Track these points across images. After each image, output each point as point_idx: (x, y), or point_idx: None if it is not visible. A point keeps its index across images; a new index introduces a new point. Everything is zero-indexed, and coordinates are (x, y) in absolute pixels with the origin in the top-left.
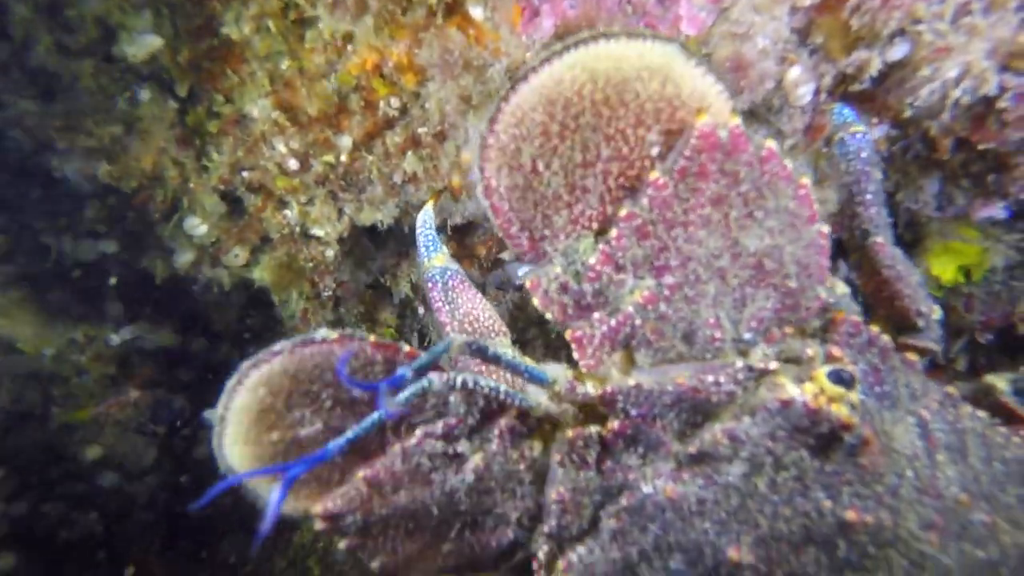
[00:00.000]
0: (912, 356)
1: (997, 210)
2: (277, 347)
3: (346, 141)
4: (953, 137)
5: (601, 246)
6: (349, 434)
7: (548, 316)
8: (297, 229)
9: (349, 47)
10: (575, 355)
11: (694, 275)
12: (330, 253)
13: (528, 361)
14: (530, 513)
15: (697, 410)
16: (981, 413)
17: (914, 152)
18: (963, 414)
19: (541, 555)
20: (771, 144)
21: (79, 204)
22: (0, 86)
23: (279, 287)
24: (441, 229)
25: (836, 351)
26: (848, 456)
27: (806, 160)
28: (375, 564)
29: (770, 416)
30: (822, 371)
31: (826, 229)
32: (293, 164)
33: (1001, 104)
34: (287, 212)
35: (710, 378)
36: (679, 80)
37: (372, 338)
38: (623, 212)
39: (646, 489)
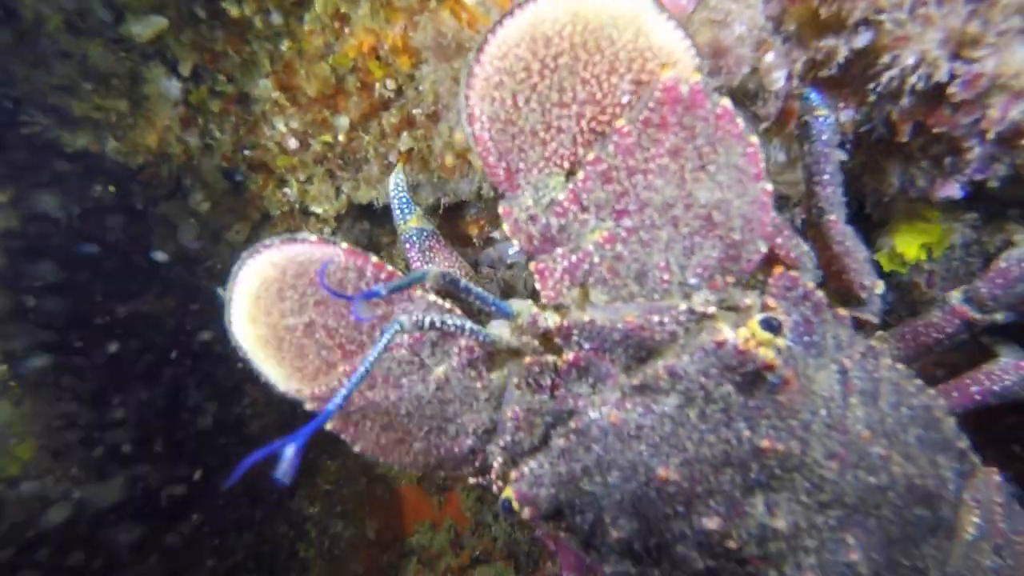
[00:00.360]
0: (842, 311)
1: (955, 190)
2: (267, 242)
3: (343, 121)
4: (912, 121)
5: (570, 185)
6: (360, 369)
7: (515, 243)
8: (296, 206)
9: (346, 29)
10: (537, 286)
11: (650, 220)
12: (328, 230)
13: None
14: (485, 427)
15: (642, 346)
16: (900, 366)
17: (878, 135)
18: (882, 365)
19: (496, 465)
20: (726, 102)
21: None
22: (12, 63)
23: None
24: (435, 208)
25: (771, 302)
26: (769, 394)
27: (779, 143)
28: (356, 448)
29: (706, 355)
30: (755, 318)
31: (770, 187)
32: (293, 143)
33: (951, 90)
34: (287, 190)
35: (655, 318)
36: (651, 33)
37: (345, 246)
38: (590, 156)
39: (593, 415)
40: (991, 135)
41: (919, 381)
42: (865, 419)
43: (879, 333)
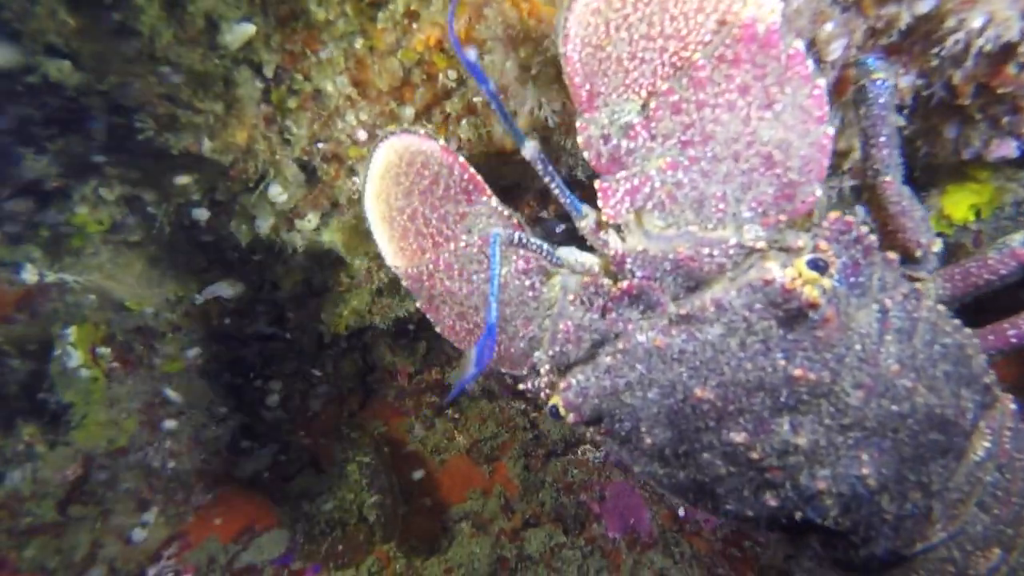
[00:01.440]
0: (892, 255)
1: (1011, 149)
2: (393, 129)
3: (409, 112)
4: (975, 83)
5: (644, 112)
6: (493, 305)
7: (585, 156)
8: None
9: (415, 25)
10: (599, 203)
11: (712, 152)
12: None
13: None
14: (535, 335)
15: (691, 276)
16: (941, 307)
17: (937, 99)
18: (923, 306)
19: (543, 371)
20: (799, 44)
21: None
22: (130, 74)
23: (349, 248)
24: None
25: (823, 244)
26: (809, 329)
27: (835, 112)
28: (437, 329)
29: (752, 291)
30: (803, 259)
31: (831, 131)
32: (362, 135)
33: (1022, 48)
34: (355, 178)
35: (706, 250)
36: None
37: (442, 142)
38: (665, 86)
39: (640, 338)
40: None
41: (957, 321)
42: (897, 354)
43: (925, 275)
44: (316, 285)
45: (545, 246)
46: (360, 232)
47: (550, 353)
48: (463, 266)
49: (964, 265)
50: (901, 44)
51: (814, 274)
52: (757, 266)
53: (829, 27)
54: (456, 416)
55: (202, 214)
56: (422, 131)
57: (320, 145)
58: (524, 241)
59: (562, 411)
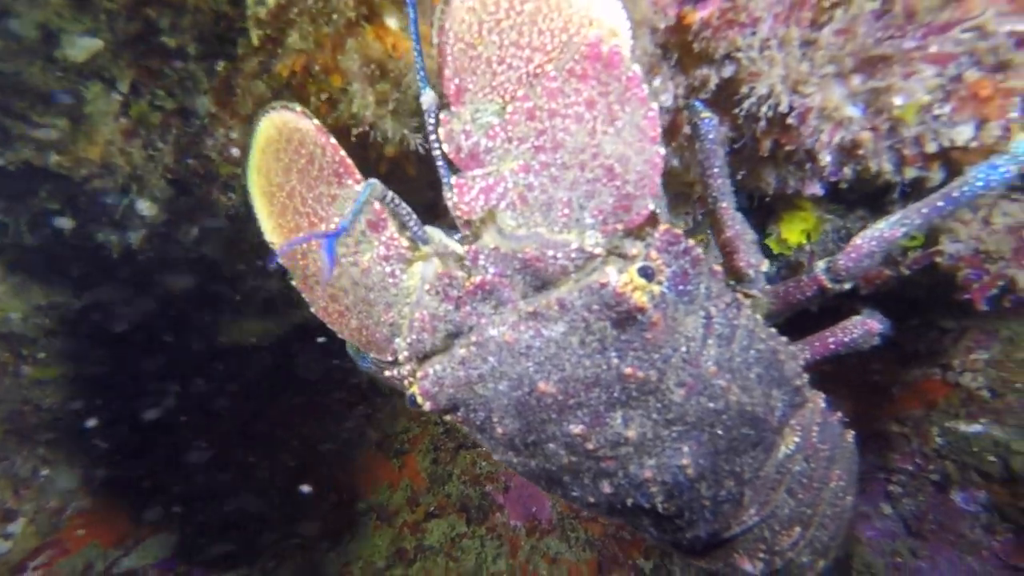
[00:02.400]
0: (717, 267)
1: (817, 189)
2: (275, 104)
3: None
4: (770, 138)
5: (503, 114)
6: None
7: (445, 148)
8: (242, 210)
9: (280, 50)
10: (454, 199)
11: (561, 160)
12: None
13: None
14: (394, 322)
15: (538, 276)
16: (758, 316)
17: (750, 148)
18: (742, 314)
19: (401, 358)
20: (636, 68)
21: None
22: None
23: (228, 260)
24: None
25: (653, 253)
26: (639, 331)
27: (671, 151)
28: (312, 309)
29: (591, 293)
30: (635, 266)
31: (663, 151)
32: (235, 152)
33: (789, 121)
34: (231, 195)
35: (550, 252)
36: (600, 5)
37: (316, 123)
38: (521, 93)
39: (492, 332)
40: (823, 156)
41: (772, 330)
42: (716, 357)
43: (755, 292)
44: (210, 293)
45: (414, 218)
46: (239, 246)
47: (408, 341)
48: (329, 244)
49: (785, 284)
50: (715, 100)
51: (643, 281)
52: (598, 270)
53: (658, 80)
54: (369, 412)
55: (65, 223)
56: (299, 108)
57: (190, 161)
58: (394, 201)
59: (419, 399)
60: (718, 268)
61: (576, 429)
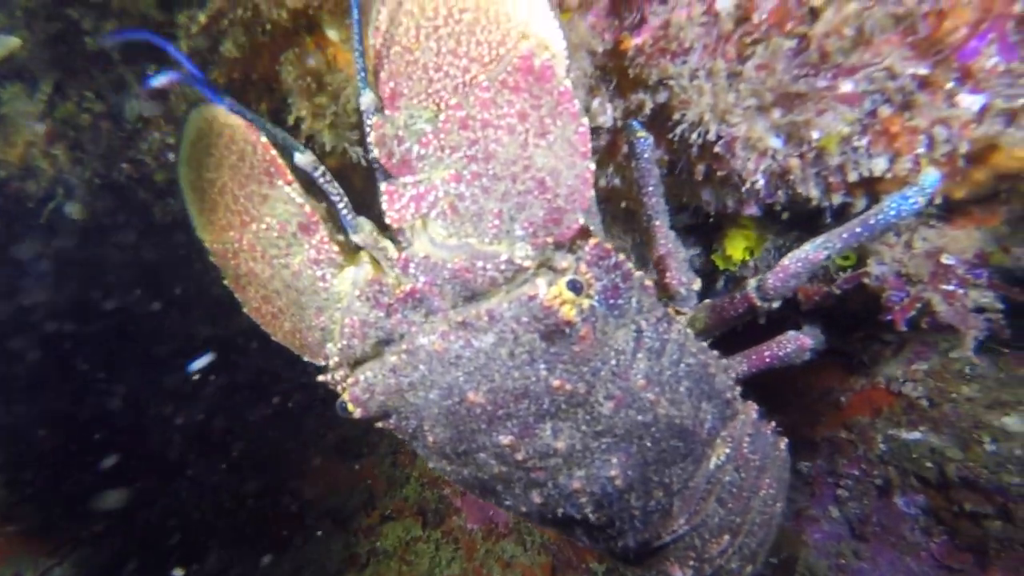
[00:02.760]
0: (648, 281)
1: (754, 209)
2: (209, 99)
3: None
4: (703, 163)
5: (435, 122)
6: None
7: (374, 153)
8: (180, 215)
9: (217, 57)
10: (384, 207)
11: (492, 171)
12: None
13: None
14: (326, 326)
15: (467, 287)
16: (688, 331)
17: (683, 171)
18: (673, 329)
19: (332, 364)
20: (568, 83)
21: None
22: None
23: (167, 264)
24: None
25: (583, 267)
26: (567, 343)
27: (613, 171)
28: (245, 309)
29: (520, 305)
30: (564, 279)
31: (593, 166)
32: (172, 157)
33: (715, 150)
34: (170, 200)
35: (480, 263)
36: (538, 21)
37: (243, 122)
38: (454, 101)
39: (422, 340)
40: (754, 181)
41: (703, 344)
42: (646, 370)
43: (687, 309)
44: (149, 296)
45: (346, 201)
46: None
47: (339, 347)
48: (264, 249)
49: (720, 300)
50: (652, 123)
51: (571, 295)
52: (528, 282)
53: (597, 101)
54: (327, 413)
55: None
56: (227, 102)
57: (124, 165)
58: (326, 177)
59: (350, 407)
60: (650, 283)
61: (505, 440)
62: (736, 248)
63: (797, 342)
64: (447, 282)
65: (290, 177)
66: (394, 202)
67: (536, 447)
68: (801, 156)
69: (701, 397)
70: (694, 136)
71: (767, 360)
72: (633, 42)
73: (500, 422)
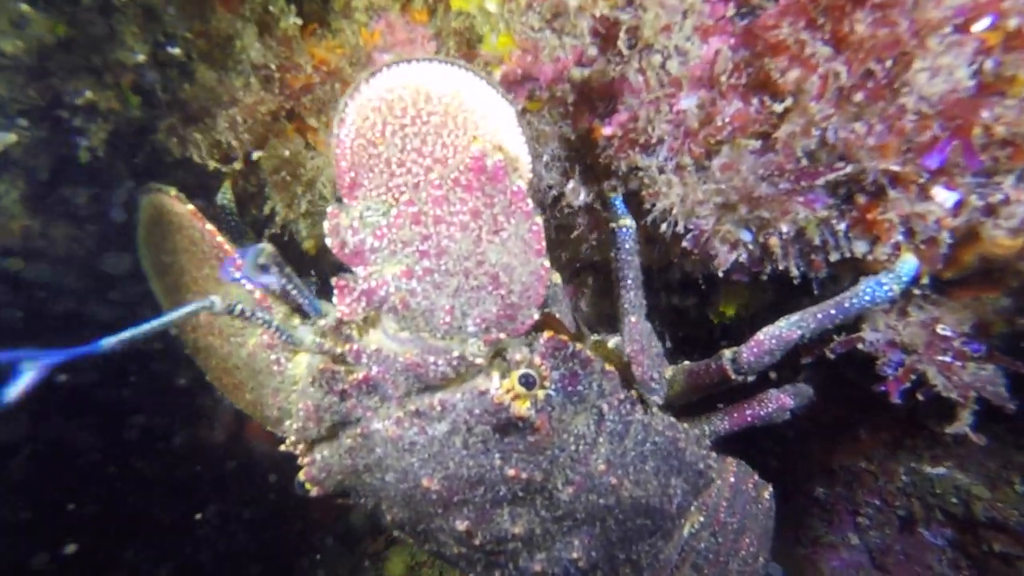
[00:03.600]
0: (610, 367)
1: (743, 278)
2: (153, 185)
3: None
4: (679, 247)
5: (388, 215)
6: (145, 326)
7: (328, 242)
8: None
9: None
10: (335, 300)
11: (445, 267)
12: None
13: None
14: (283, 406)
15: (419, 380)
16: (655, 410)
17: (663, 251)
18: (636, 410)
19: (289, 443)
20: (521, 183)
21: None
22: None
23: None
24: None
25: (537, 359)
26: (522, 434)
27: (601, 242)
28: (208, 378)
29: (472, 398)
30: (516, 374)
31: (547, 263)
32: None
33: (683, 244)
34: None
35: (431, 358)
36: (506, 132)
37: (191, 207)
38: (406, 197)
39: (376, 425)
40: (722, 271)
41: (670, 420)
42: (608, 454)
43: (656, 399)
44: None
45: (304, 291)
46: None
47: (295, 427)
48: (221, 328)
49: (698, 365)
50: (627, 203)
51: (523, 389)
52: (477, 374)
53: (571, 184)
54: None
55: None
56: (173, 192)
57: None
58: (283, 269)
59: (307, 485)
60: (610, 368)
61: (461, 526)
62: (729, 306)
63: (778, 402)
64: (399, 373)
65: (240, 262)
66: (345, 296)
67: (493, 532)
68: (782, 235)
69: (670, 474)
70: (664, 227)
71: (748, 418)
72: (603, 131)
73: (456, 508)
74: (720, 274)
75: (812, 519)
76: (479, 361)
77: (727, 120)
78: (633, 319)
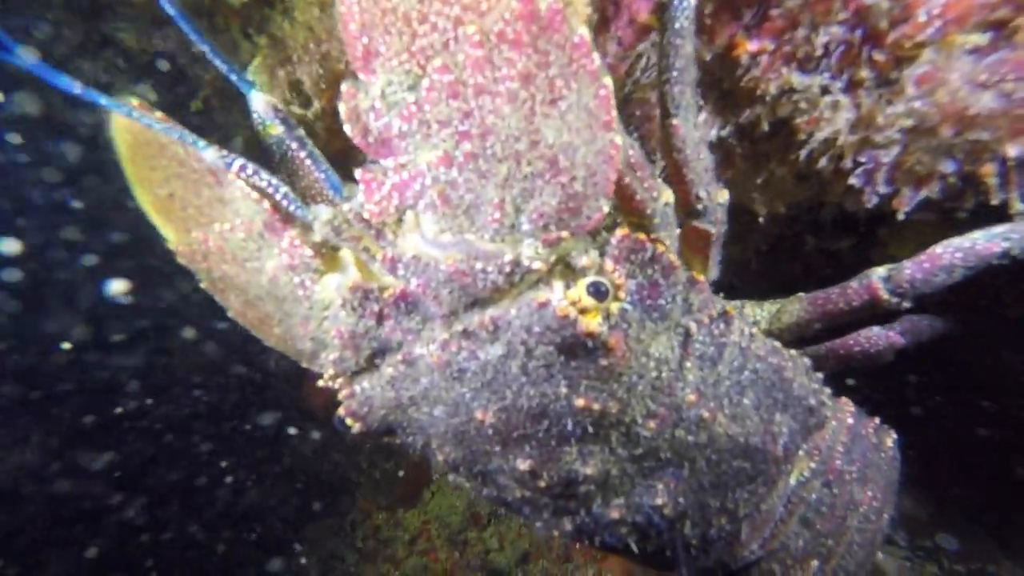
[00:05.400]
0: (699, 276)
1: (928, 215)
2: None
3: None
4: (840, 186)
5: (419, 89)
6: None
7: (347, 129)
8: None
9: None
10: (361, 197)
11: (491, 150)
12: None
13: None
14: (315, 335)
15: (466, 292)
16: (755, 331)
17: (817, 189)
18: (733, 329)
19: (326, 377)
20: (584, 31)
21: None
22: None
23: None
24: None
25: (609, 264)
26: (591, 357)
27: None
28: (230, 314)
29: (530, 312)
30: (583, 282)
31: (619, 140)
32: None
33: (851, 182)
34: None
35: (479, 265)
36: None
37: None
38: (438, 62)
39: (419, 350)
40: (904, 212)
41: (775, 344)
42: (697, 382)
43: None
44: None
45: (285, 193)
46: None
47: (331, 359)
48: (234, 252)
49: (826, 292)
50: (770, 139)
51: (593, 300)
52: (534, 283)
53: (703, 115)
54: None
55: None
56: (136, 103)
57: None
58: (252, 172)
59: (348, 421)
60: (700, 277)
61: (523, 465)
62: (906, 248)
63: (887, 340)
64: (443, 285)
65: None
66: (372, 192)
67: (561, 473)
68: (1003, 163)
69: (774, 408)
70: (823, 161)
71: (851, 355)
72: (748, 46)
73: (517, 444)
74: (901, 216)
75: None
76: (537, 266)
77: (937, 11)
78: (676, 121)
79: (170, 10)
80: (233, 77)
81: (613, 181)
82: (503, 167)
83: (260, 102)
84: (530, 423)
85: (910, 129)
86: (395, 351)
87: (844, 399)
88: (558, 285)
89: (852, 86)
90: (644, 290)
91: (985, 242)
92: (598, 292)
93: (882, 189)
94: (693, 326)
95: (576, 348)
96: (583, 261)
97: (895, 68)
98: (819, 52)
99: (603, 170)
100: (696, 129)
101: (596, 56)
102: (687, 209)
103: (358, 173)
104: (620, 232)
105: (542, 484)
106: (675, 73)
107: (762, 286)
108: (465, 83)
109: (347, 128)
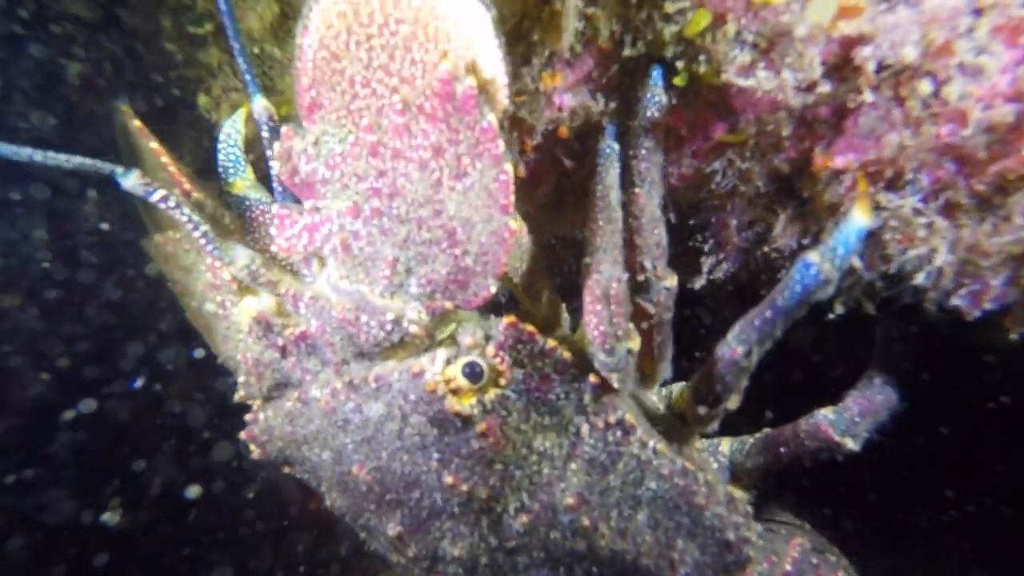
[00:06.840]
0: (595, 379)
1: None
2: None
3: None
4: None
5: (346, 143)
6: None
7: (274, 168)
8: None
9: None
10: (272, 231)
11: (396, 211)
12: None
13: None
14: (230, 355)
15: (352, 342)
16: (661, 446)
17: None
18: (631, 440)
19: (238, 398)
20: (492, 119)
21: None
22: None
23: None
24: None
25: (492, 349)
26: (462, 436)
27: None
28: (187, 315)
29: (408, 379)
30: (461, 360)
31: (514, 226)
32: None
33: (954, 301)
34: None
35: (363, 318)
36: (480, 45)
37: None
38: (365, 122)
39: (315, 392)
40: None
41: (685, 466)
42: (581, 487)
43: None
44: None
45: (201, 229)
46: None
47: (240, 381)
48: (179, 257)
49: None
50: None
51: (466, 381)
52: (427, 353)
53: (781, 223)
54: None
55: None
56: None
57: None
58: (170, 204)
59: (250, 445)
60: (596, 379)
61: (392, 530)
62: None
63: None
64: (335, 331)
65: (187, 187)
66: (284, 229)
67: (428, 547)
68: None
69: (675, 534)
70: (921, 278)
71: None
72: (831, 163)
73: (389, 508)
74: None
75: None
76: (414, 329)
77: None
78: (637, 191)
79: (222, 4)
80: (248, 77)
81: (504, 264)
82: (404, 228)
83: (260, 106)
84: (403, 489)
85: (1019, 256)
86: (295, 387)
87: (796, 541)
88: (440, 358)
89: (948, 209)
90: (532, 381)
91: None
92: (472, 373)
93: (988, 307)
94: (585, 428)
95: (447, 424)
96: (467, 340)
97: (999, 195)
98: (908, 176)
99: (495, 251)
100: (656, 208)
101: (501, 143)
102: (632, 283)
103: (274, 209)
104: (507, 320)
105: (411, 553)
106: (643, 152)
107: None
108: (385, 145)
109: (276, 165)
